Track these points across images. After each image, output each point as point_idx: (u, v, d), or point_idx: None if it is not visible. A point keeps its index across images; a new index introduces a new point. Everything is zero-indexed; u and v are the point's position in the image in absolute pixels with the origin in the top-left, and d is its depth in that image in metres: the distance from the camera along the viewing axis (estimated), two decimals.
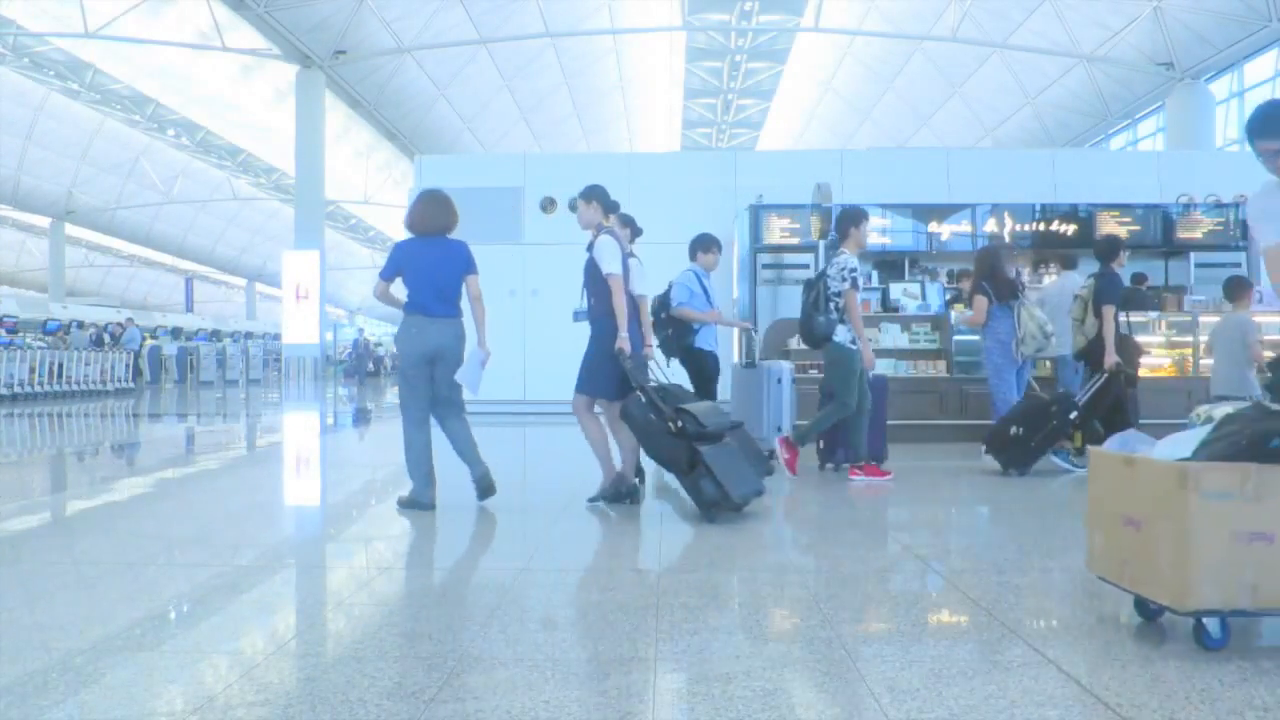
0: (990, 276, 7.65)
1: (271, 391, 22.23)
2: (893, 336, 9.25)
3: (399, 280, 5.05)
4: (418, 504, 5.00)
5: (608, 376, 5.13)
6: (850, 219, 6.34)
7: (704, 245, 7.13)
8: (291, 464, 8.59)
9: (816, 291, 6.29)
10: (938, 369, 9.07)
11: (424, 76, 27.09)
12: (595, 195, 5.43)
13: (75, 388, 17.88)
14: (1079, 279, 8.27)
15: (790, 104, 37.35)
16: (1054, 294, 8.35)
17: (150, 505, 5.97)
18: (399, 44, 23.62)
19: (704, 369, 6.95)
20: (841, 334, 6.21)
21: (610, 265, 5.11)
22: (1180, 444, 2.75)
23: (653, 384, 5.15)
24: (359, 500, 6.12)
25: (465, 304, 5.15)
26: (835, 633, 2.86)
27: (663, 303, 6.93)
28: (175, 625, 3.10)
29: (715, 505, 4.65)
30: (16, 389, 16.42)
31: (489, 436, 10.38)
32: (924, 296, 9.85)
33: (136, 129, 33.16)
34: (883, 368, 9.21)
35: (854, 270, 6.13)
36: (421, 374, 4.98)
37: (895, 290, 10.27)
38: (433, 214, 5.07)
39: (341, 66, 23.65)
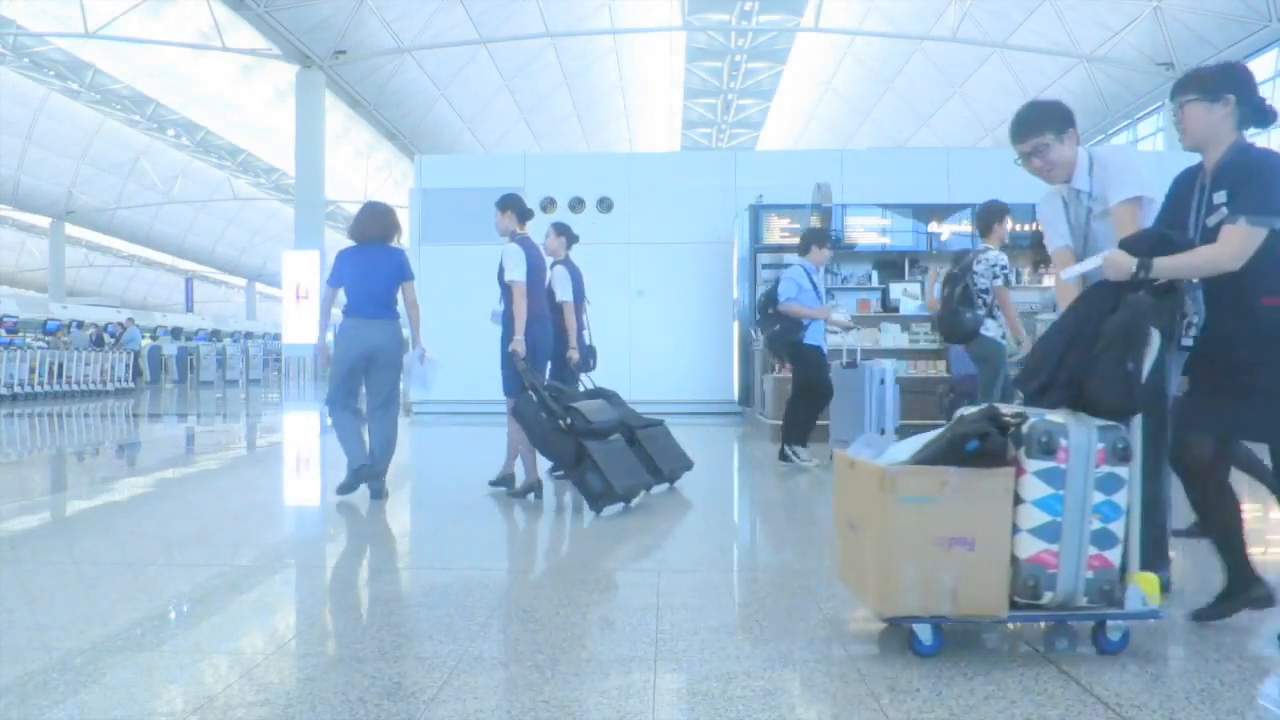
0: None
1: (271, 391, 22.23)
2: (893, 336, 9.24)
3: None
4: (359, 476, 5.32)
5: (518, 377, 5.35)
6: (994, 214, 6.24)
7: (818, 239, 7.02)
8: (291, 464, 8.59)
9: (963, 286, 6.11)
10: (938, 369, 9.06)
11: (424, 76, 27.06)
12: (510, 205, 5.66)
13: (75, 388, 17.87)
14: None
15: (790, 104, 37.31)
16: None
17: (150, 505, 5.97)
18: (399, 44, 23.59)
19: (812, 365, 6.84)
20: (991, 328, 6.10)
21: (512, 273, 5.36)
22: (910, 446, 2.71)
23: (547, 383, 5.40)
24: (358, 500, 6.12)
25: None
26: (835, 633, 2.86)
27: (770, 298, 6.92)
28: (175, 625, 3.10)
29: (601, 497, 4.86)
30: (16, 389, 16.41)
31: (489, 436, 10.38)
32: (924, 296, 9.85)
33: (136, 129, 33.12)
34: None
35: (1005, 267, 6.06)
36: (355, 373, 5.31)
37: (895, 290, 10.28)
38: (372, 225, 5.42)
39: (341, 66, 23.62)
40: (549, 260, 6.15)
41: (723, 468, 7.79)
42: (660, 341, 12.43)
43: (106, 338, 23.73)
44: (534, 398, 5.12)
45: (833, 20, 26.69)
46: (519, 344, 5.25)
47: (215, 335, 32.15)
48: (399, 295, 5.37)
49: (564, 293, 6.23)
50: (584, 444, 4.92)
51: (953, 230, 10.99)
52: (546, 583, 3.65)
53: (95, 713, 2.24)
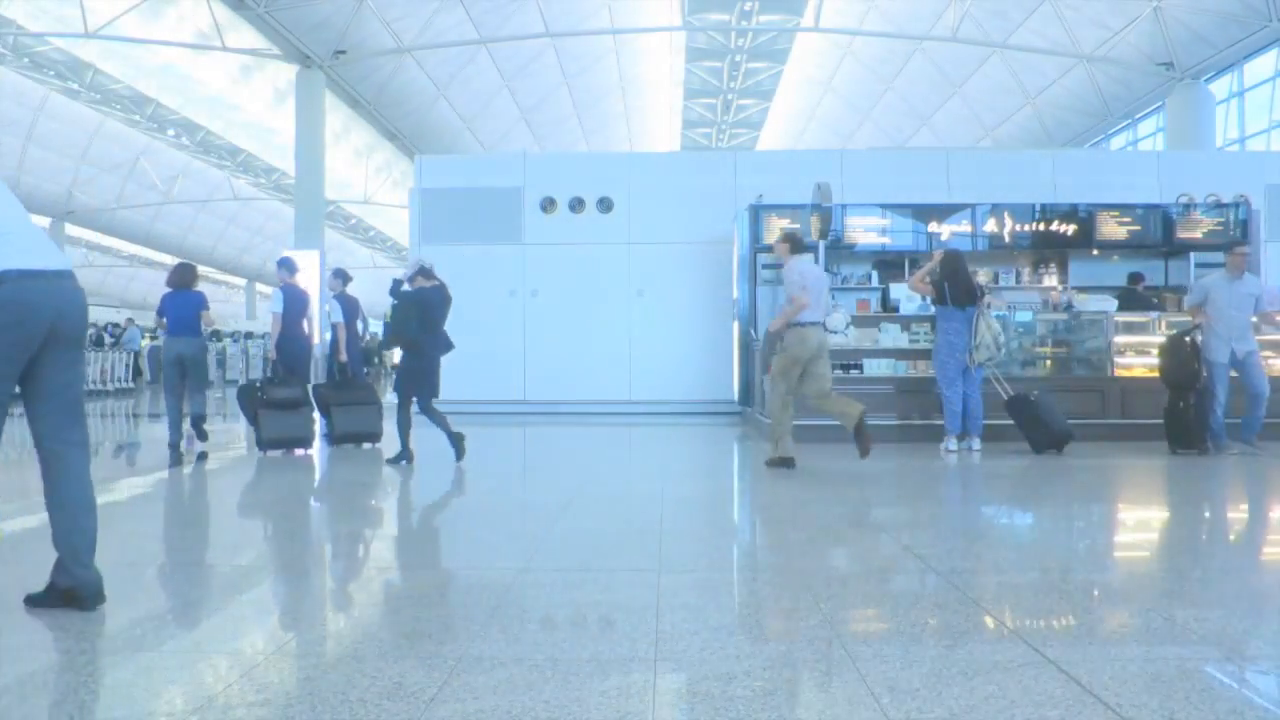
0: (951, 278, 7.80)
1: None
2: (892, 336, 9.23)
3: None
4: (174, 447, 8.08)
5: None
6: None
7: None
8: (290, 463, 8.58)
9: None
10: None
11: (424, 76, 27.05)
12: (282, 265, 8.99)
13: None
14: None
15: (790, 104, 37.31)
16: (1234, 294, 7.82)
17: (150, 505, 5.97)
18: (399, 44, 23.59)
19: None
20: None
21: (274, 306, 8.73)
22: None
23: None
24: (357, 500, 6.13)
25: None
26: (835, 633, 2.86)
27: None
28: (175, 625, 3.10)
29: (259, 442, 7.91)
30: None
31: (489, 436, 10.39)
32: (924, 296, 9.83)
33: (136, 129, 33.10)
34: (882, 368, 9.22)
35: None
36: (174, 371, 8.37)
37: (895, 290, 10.28)
38: (179, 277, 8.53)
39: (341, 66, 23.61)
40: (331, 294, 9.65)
41: (721, 471, 7.76)
42: (660, 341, 12.44)
43: (106, 338, 23.72)
44: (255, 384, 8.40)
45: (833, 20, 26.69)
46: (271, 351, 8.59)
47: (215, 335, 32.12)
48: (201, 320, 8.33)
49: (336, 315, 9.46)
50: (260, 411, 7.88)
51: (953, 230, 11.00)
52: (547, 582, 3.64)
53: (95, 713, 2.24)
